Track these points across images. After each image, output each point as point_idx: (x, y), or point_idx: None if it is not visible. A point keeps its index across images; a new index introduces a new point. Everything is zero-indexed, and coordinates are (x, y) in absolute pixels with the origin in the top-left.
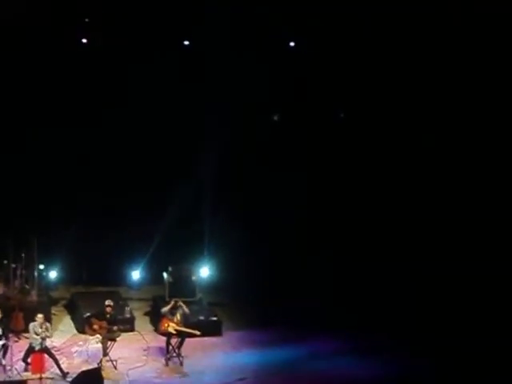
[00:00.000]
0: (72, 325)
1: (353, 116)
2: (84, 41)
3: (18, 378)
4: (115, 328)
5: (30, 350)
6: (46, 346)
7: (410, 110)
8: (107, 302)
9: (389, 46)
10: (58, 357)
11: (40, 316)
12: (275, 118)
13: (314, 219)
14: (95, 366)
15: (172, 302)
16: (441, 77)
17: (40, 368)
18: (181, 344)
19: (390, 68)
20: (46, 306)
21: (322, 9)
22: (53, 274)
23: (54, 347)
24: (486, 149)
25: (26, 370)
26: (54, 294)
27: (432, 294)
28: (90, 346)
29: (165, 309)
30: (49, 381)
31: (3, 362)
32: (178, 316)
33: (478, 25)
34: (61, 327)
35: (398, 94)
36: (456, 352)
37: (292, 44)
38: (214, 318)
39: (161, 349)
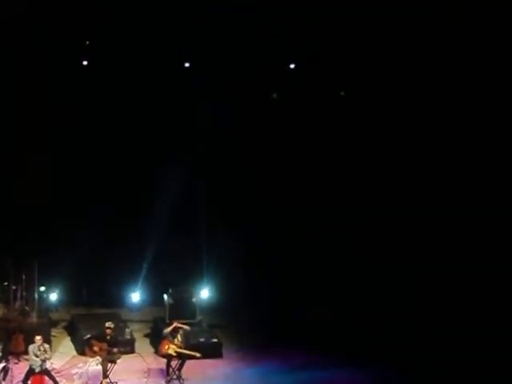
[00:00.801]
0: (72, 347)
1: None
2: (85, 63)
3: None
4: (115, 350)
5: (30, 372)
6: (46, 368)
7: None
8: (107, 324)
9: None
10: (58, 379)
11: (38, 338)
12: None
13: (314, 232)
14: None
15: (173, 324)
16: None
17: None
18: (181, 366)
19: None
20: (46, 328)
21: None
22: (53, 296)
23: (54, 369)
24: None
25: None
26: (54, 316)
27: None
28: (90, 368)
29: (166, 330)
30: None
31: None
32: (179, 338)
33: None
34: (61, 349)
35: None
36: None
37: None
38: (215, 340)
39: (161, 371)
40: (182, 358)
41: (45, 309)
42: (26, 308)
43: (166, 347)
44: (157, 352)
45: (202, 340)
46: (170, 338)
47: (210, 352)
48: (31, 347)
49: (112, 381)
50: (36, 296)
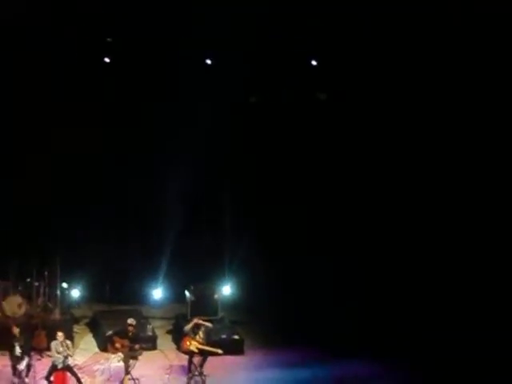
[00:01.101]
0: (94, 343)
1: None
2: (107, 60)
3: None
4: (137, 346)
5: (53, 369)
6: (68, 365)
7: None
8: (129, 321)
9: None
10: (80, 375)
11: (60, 334)
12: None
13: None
14: None
15: (194, 321)
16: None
17: None
18: (203, 362)
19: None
20: (68, 324)
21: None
22: (75, 293)
23: (77, 365)
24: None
25: None
26: (77, 312)
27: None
28: (112, 365)
29: (187, 327)
30: None
31: (26, 380)
32: (201, 334)
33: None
34: (83, 345)
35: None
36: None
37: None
38: (236, 337)
39: (183, 367)
40: (204, 354)
41: (67, 305)
42: (49, 304)
43: (188, 344)
44: (178, 348)
45: (223, 337)
46: (192, 335)
47: (232, 348)
48: (53, 344)
49: (134, 377)
50: (58, 292)
